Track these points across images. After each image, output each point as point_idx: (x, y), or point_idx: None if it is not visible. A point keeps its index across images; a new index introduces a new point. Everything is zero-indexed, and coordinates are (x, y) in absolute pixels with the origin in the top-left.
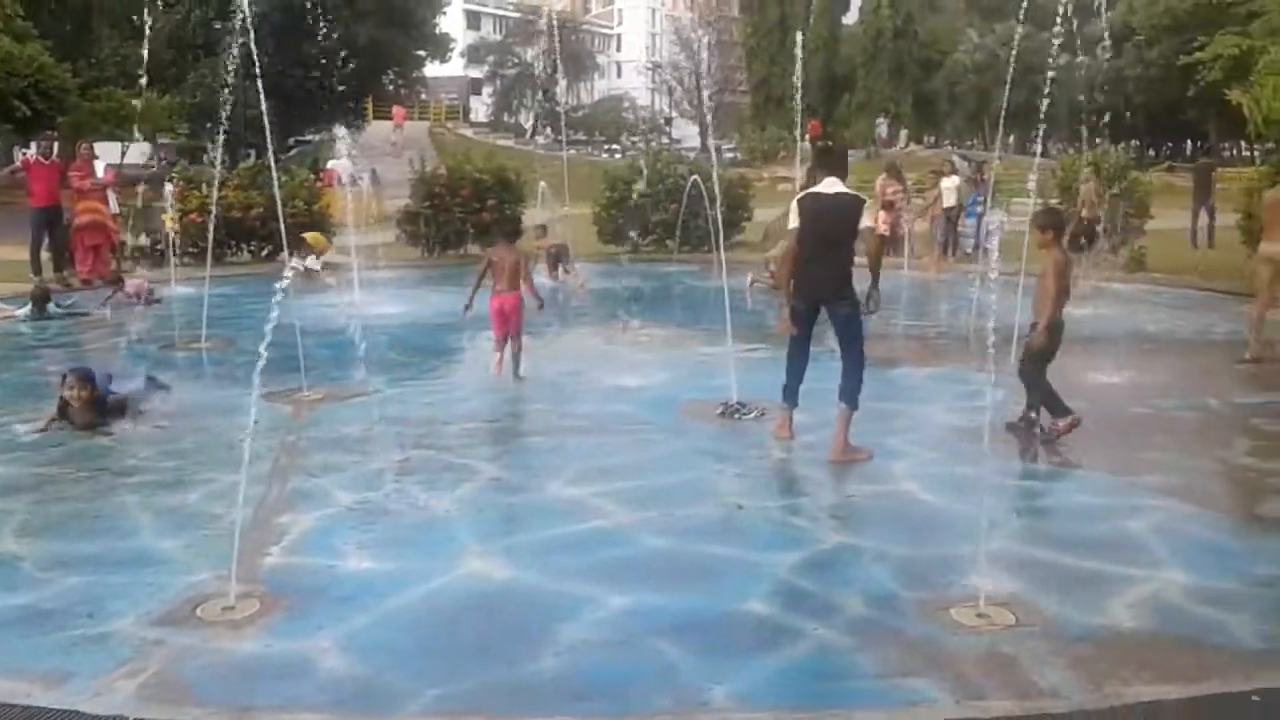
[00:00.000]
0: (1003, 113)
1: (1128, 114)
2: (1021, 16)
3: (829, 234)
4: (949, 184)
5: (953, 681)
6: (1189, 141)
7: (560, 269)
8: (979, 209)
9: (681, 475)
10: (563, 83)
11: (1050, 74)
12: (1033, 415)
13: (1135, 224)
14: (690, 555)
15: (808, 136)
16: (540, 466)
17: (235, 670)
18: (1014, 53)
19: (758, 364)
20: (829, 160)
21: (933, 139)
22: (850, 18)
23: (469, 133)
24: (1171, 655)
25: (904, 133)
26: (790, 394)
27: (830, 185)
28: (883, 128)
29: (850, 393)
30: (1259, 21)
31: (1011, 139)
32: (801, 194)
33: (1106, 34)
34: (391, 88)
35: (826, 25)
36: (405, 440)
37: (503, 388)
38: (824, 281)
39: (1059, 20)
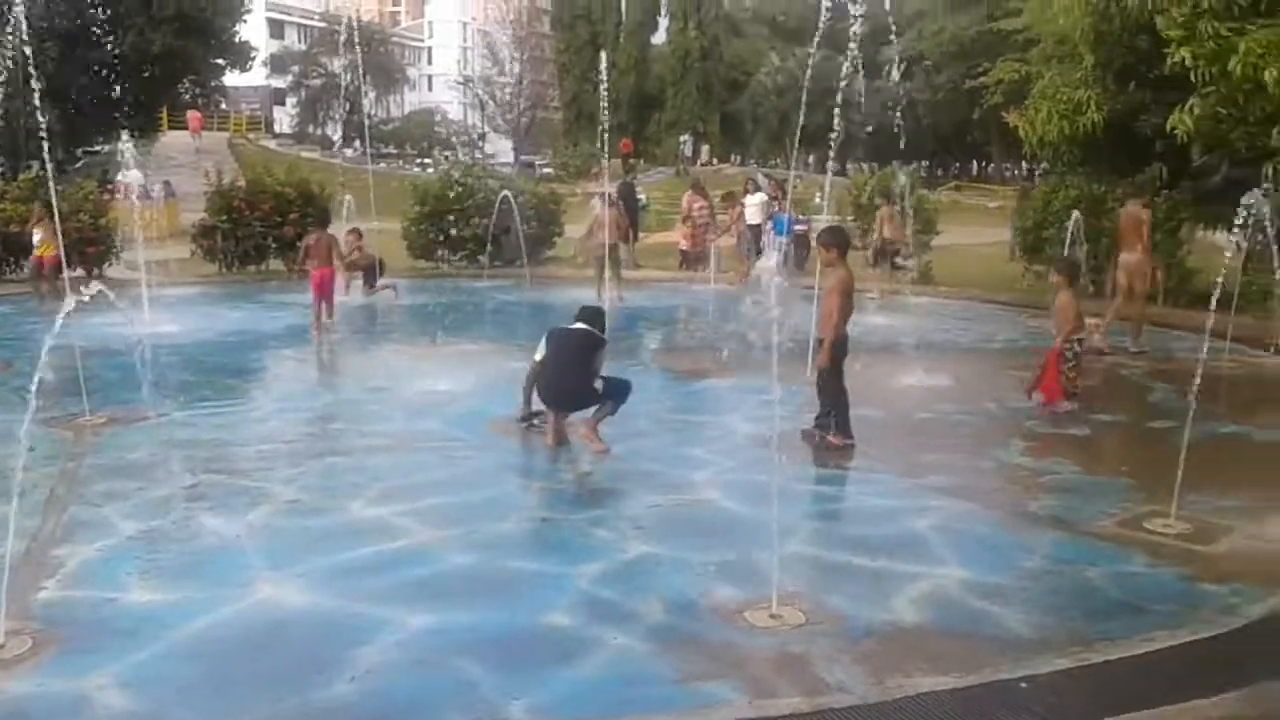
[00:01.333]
0: (798, 133)
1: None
2: (818, 41)
3: None
4: (752, 201)
5: (747, 682)
6: (975, 162)
7: (370, 283)
8: (801, 226)
9: (487, 491)
10: (371, 95)
11: (839, 97)
12: (826, 423)
13: (923, 240)
14: (493, 571)
15: (621, 153)
16: (340, 487)
17: (5, 712)
18: (808, 75)
19: None
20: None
21: (739, 157)
22: (659, 38)
23: (272, 144)
24: (949, 647)
25: (705, 148)
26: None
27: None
28: (688, 145)
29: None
30: (1035, 49)
31: (811, 158)
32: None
33: (895, 62)
34: (189, 97)
35: (636, 45)
36: (195, 465)
37: (302, 407)
38: None
39: (851, 46)
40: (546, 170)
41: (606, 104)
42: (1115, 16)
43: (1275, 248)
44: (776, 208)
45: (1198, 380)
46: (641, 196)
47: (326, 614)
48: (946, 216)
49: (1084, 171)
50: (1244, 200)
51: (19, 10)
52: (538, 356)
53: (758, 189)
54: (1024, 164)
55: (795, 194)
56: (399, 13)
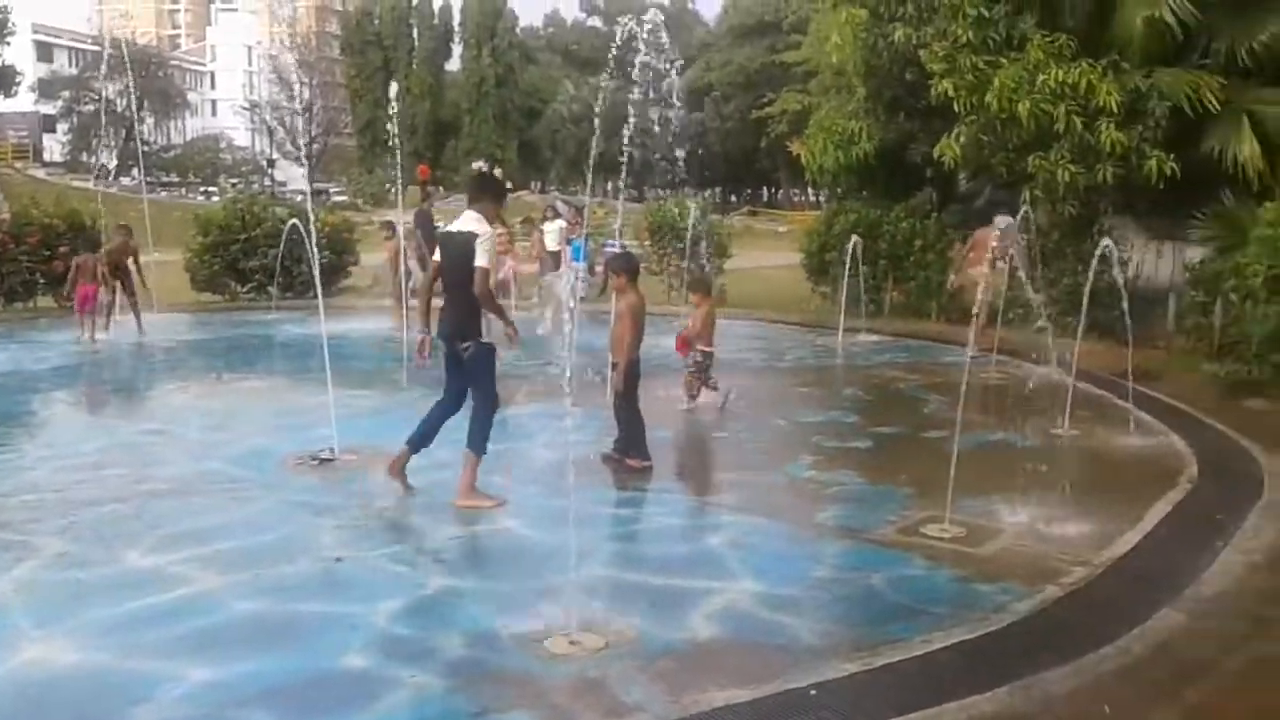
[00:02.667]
0: (592, 161)
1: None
2: (611, 71)
3: (450, 271)
4: (550, 228)
5: (545, 711)
6: (765, 188)
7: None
8: (611, 246)
9: (276, 532)
10: (149, 120)
11: (631, 125)
12: (625, 447)
13: (716, 264)
14: (283, 616)
15: (418, 179)
16: (115, 536)
17: None
18: (600, 104)
19: (362, 412)
20: (472, 190)
21: (539, 184)
22: (453, 64)
23: (41, 173)
24: (743, 660)
25: (498, 172)
26: (416, 437)
27: (463, 221)
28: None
29: (475, 439)
30: (815, 81)
31: (610, 185)
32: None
33: (676, 92)
34: None
35: (430, 71)
36: None
37: (74, 452)
38: (448, 319)
39: (638, 76)
40: (341, 198)
41: (399, 131)
42: (884, 51)
43: (1023, 264)
44: (574, 234)
45: (963, 391)
46: (439, 225)
47: (100, 671)
48: (740, 241)
49: (861, 197)
50: (995, 221)
51: None
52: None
53: (557, 215)
54: (809, 190)
55: (595, 220)
56: (179, 35)
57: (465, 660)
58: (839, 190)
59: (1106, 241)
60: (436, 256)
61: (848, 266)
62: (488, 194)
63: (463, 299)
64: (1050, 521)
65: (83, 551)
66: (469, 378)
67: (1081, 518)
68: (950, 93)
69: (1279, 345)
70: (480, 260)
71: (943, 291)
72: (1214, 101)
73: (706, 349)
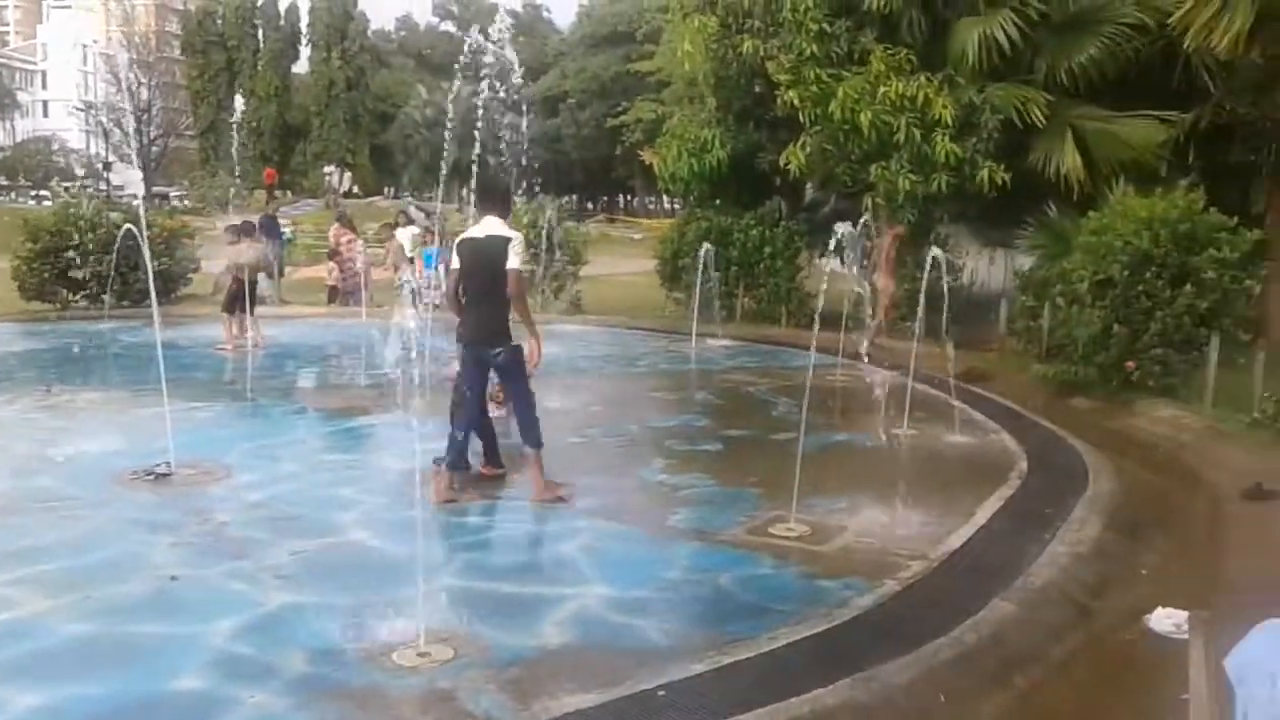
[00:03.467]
0: (448, 166)
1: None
2: (462, 76)
3: (477, 277)
4: (404, 234)
5: None
6: (621, 196)
7: None
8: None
9: (108, 551)
10: None
11: (478, 131)
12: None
13: (572, 271)
14: (115, 638)
15: (265, 184)
16: None
17: None
18: (453, 110)
19: (201, 424)
20: (487, 198)
21: (393, 190)
22: (301, 67)
23: None
24: (594, 664)
25: (346, 175)
26: (454, 454)
27: (485, 226)
28: (335, 176)
29: (531, 437)
30: (668, 90)
31: (465, 191)
32: (459, 236)
33: (530, 99)
34: None
35: (277, 73)
36: None
37: None
38: (477, 326)
39: (489, 81)
40: (184, 202)
41: (244, 134)
42: (733, 62)
43: (859, 271)
44: (428, 242)
45: (806, 395)
46: (287, 230)
47: None
48: (596, 248)
49: (713, 205)
50: (836, 230)
51: None
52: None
53: (410, 221)
54: (664, 198)
55: (450, 226)
56: (7, 33)
57: (308, 677)
58: (691, 198)
59: (935, 250)
60: (454, 264)
61: (700, 273)
62: (500, 198)
63: (493, 304)
64: (890, 518)
65: None
66: (504, 380)
67: (919, 514)
68: (796, 104)
69: (1102, 347)
70: (513, 263)
71: (791, 297)
72: (1040, 117)
73: None
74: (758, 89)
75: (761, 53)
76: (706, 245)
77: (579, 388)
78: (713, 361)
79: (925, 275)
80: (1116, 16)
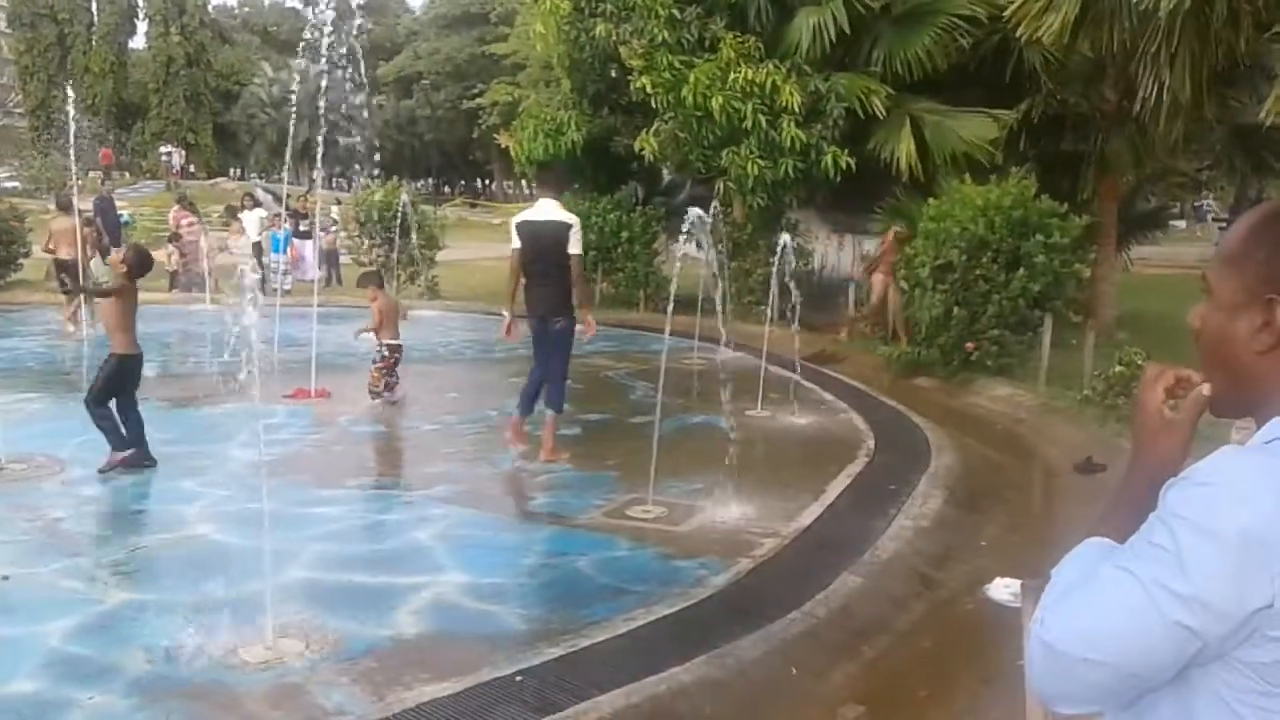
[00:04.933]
0: (293, 147)
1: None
2: (309, 55)
3: (541, 258)
4: (251, 217)
5: None
6: (479, 180)
7: None
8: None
9: None
10: None
11: (324, 111)
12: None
13: (428, 255)
14: None
15: (100, 164)
16: None
17: None
18: (298, 88)
19: (33, 416)
20: (544, 182)
21: (239, 171)
22: (138, 42)
23: None
24: (450, 653)
25: (175, 154)
26: (525, 403)
27: (543, 210)
28: (176, 157)
29: (556, 401)
30: (524, 74)
31: (317, 173)
32: (518, 217)
33: (379, 78)
34: None
35: (112, 48)
36: None
37: None
38: (542, 300)
39: (335, 60)
40: (13, 184)
41: (77, 112)
42: (586, 45)
43: (711, 256)
44: (274, 226)
45: (663, 378)
46: (124, 213)
47: None
48: (454, 233)
49: (570, 189)
50: (687, 215)
51: None
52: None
53: (256, 204)
54: (523, 183)
55: (301, 209)
56: None
57: (150, 676)
58: None
59: (785, 236)
60: (515, 244)
61: None
62: (554, 182)
63: (557, 283)
64: (744, 497)
65: None
66: (556, 347)
67: (772, 492)
68: (649, 89)
69: (944, 329)
70: (574, 248)
71: (649, 281)
72: (880, 108)
73: (392, 342)
74: (613, 73)
75: (615, 37)
76: None
77: (436, 374)
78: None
79: (777, 260)
80: (950, 9)
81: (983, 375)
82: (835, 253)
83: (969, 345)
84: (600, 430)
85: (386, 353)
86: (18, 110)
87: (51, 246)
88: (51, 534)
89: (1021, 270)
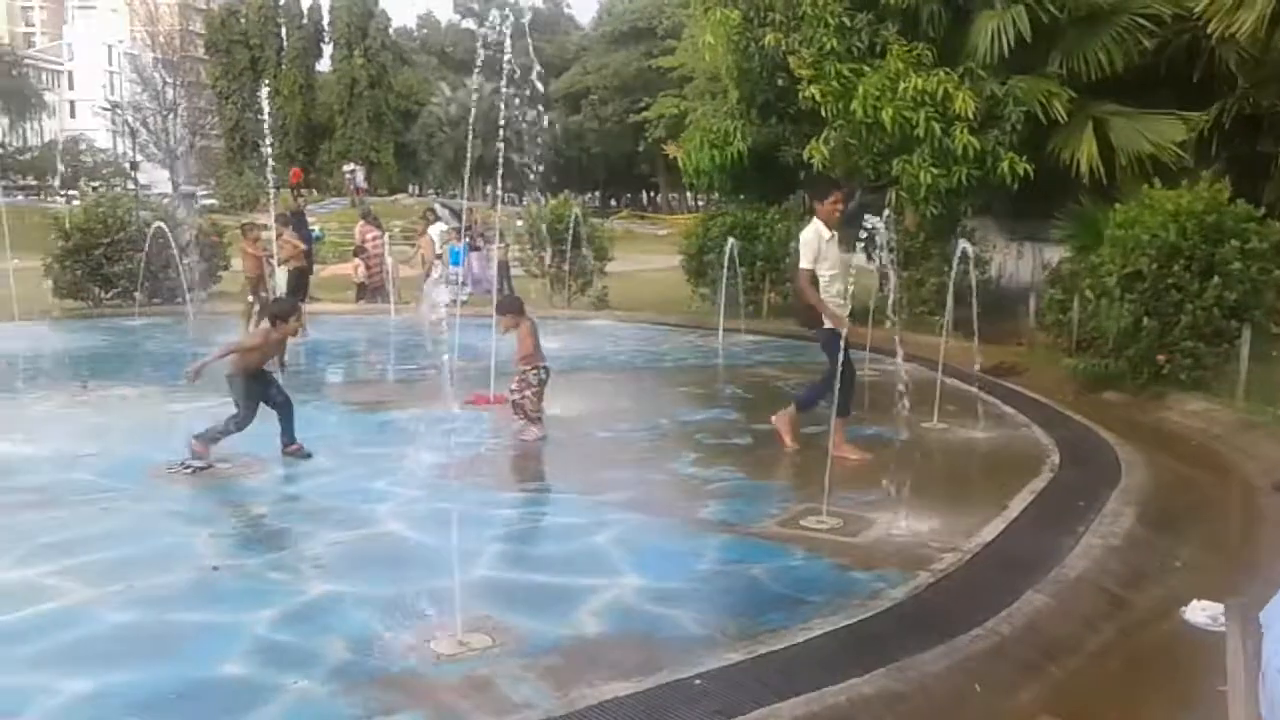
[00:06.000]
0: (468, 163)
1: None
2: (482, 74)
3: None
4: (432, 231)
5: (433, 711)
6: (644, 192)
7: None
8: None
9: (149, 542)
10: (3, 121)
11: (502, 129)
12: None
13: (597, 266)
14: (159, 626)
15: (290, 182)
16: None
17: None
18: (475, 107)
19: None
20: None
21: (417, 188)
22: (324, 65)
23: None
24: (629, 653)
25: (358, 172)
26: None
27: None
28: (358, 175)
29: (840, 406)
30: (690, 86)
31: (488, 188)
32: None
33: (551, 95)
34: None
35: (301, 72)
36: None
37: None
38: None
39: (512, 78)
40: (210, 201)
41: (269, 133)
42: (755, 56)
43: (890, 266)
44: (452, 239)
45: (836, 388)
46: (315, 228)
47: None
48: (621, 244)
49: (738, 200)
50: (865, 224)
51: None
52: None
53: (437, 219)
54: (688, 194)
55: (475, 223)
56: (33, 34)
57: (349, 664)
58: (715, 192)
59: (963, 243)
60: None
61: (726, 268)
62: (815, 195)
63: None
64: (922, 511)
65: None
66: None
67: (951, 507)
68: (818, 98)
69: (1132, 340)
70: (801, 262)
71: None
72: (1062, 111)
73: (539, 365)
74: (780, 83)
75: (784, 46)
76: (731, 240)
77: (607, 382)
78: (740, 356)
79: (954, 269)
80: (1134, 8)
81: (1175, 389)
82: (1014, 261)
83: (1160, 357)
84: (772, 440)
85: (545, 375)
86: (214, 132)
87: (283, 256)
88: (255, 529)
89: (1216, 278)
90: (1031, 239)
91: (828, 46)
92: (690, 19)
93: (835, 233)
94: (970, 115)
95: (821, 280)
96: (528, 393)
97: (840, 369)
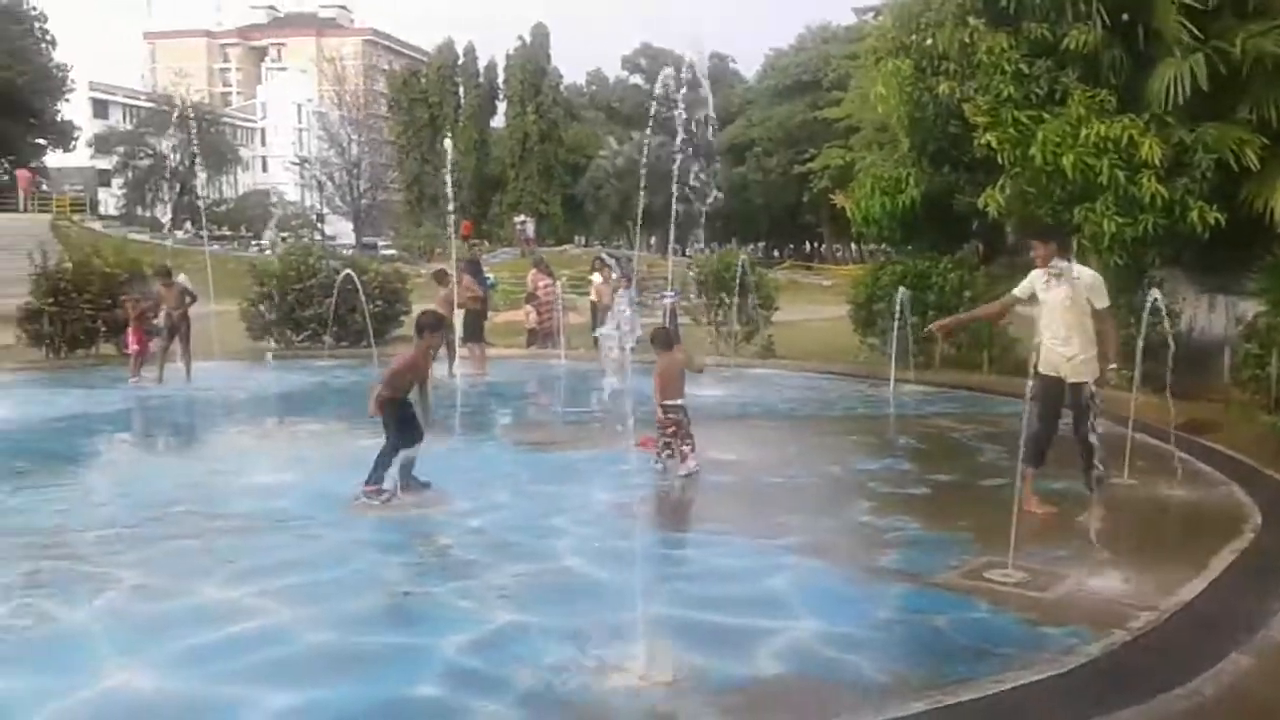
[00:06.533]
0: (638, 215)
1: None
2: (652, 127)
3: None
4: (598, 279)
5: None
6: (809, 242)
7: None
8: (670, 298)
9: (343, 568)
10: (202, 176)
11: (675, 180)
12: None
13: (764, 315)
14: (355, 647)
15: (462, 235)
16: (189, 570)
17: None
18: (644, 160)
19: (420, 454)
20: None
21: (583, 238)
22: (497, 122)
23: (97, 226)
24: (809, 696)
25: (528, 223)
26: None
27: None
28: (529, 226)
29: (1034, 455)
30: (858, 136)
31: (653, 239)
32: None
33: (716, 147)
34: (7, 178)
35: (476, 128)
36: (33, 552)
37: (144, 491)
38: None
39: (678, 131)
40: (389, 252)
41: (450, 186)
42: (928, 104)
43: None
44: (623, 288)
45: (1020, 441)
46: (490, 276)
47: (182, 698)
48: (785, 294)
49: (908, 249)
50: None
51: None
52: None
53: (604, 266)
54: (854, 245)
55: (641, 273)
56: (230, 93)
57: (536, 692)
58: (884, 241)
59: (1155, 293)
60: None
61: (896, 318)
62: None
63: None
64: (1115, 568)
65: (159, 584)
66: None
67: (1146, 564)
68: (994, 145)
69: None
70: (1103, 301)
71: (994, 342)
72: (1254, 159)
73: (668, 403)
74: (953, 130)
75: (958, 94)
76: (902, 289)
77: (775, 430)
78: (912, 406)
79: (1143, 321)
80: None
81: None
82: (1205, 314)
83: None
84: (950, 491)
85: (661, 414)
86: (394, 186)
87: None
88: (442, 558)
89: None
90: (1224, 291)
91: (1005, 94)
92: (858, 70)
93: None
94: (1157, 162)
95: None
96: (669, 430)
97: (1039, 418)
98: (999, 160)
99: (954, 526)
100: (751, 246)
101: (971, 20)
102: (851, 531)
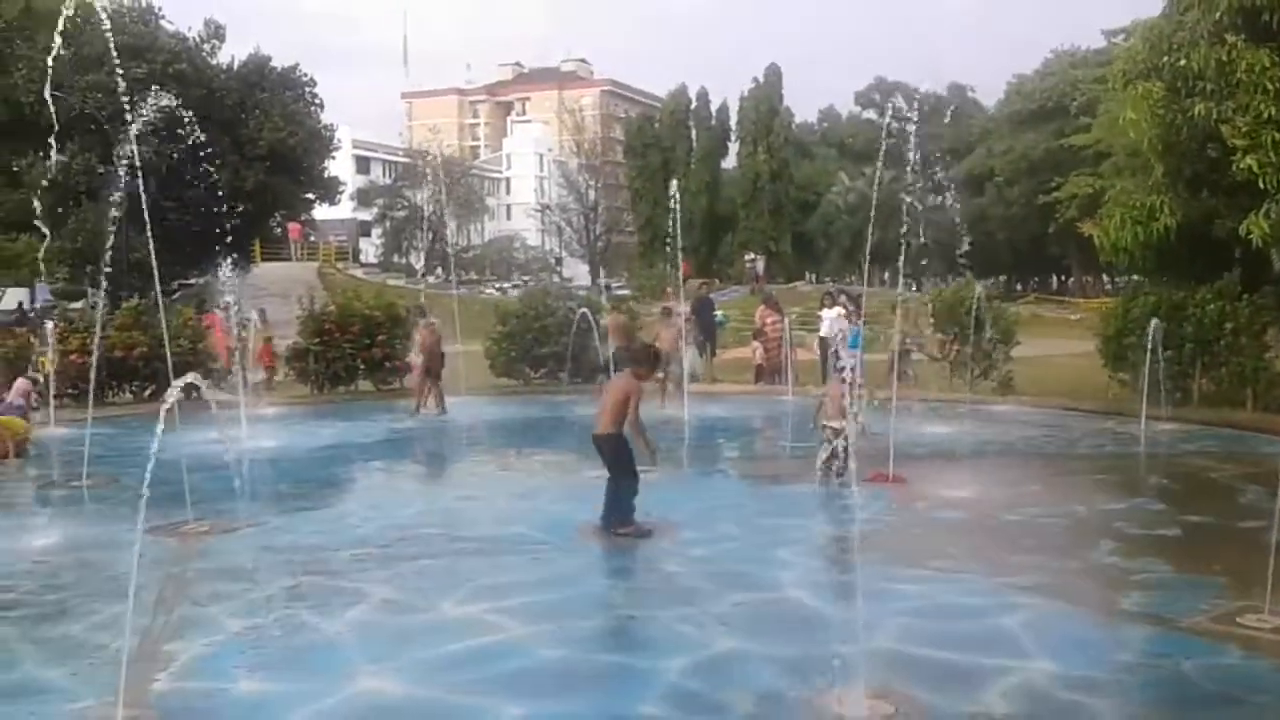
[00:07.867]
0: (868, 250)
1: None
2: (884, 161)
3: None
4: (828, 315)
5: None
6: (1054, 275)
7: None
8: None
9: (575, 589)
10: (453, 224)
11: (907, 214)
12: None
13: (1003, 350)
14: (584, 664)
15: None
16: (433, 587)
17: None
18: (876, 195)
19: (648, 486)
20: None
21: (813, 276)
22: (729, 162)
23: (359, 273)
24: None
25: (758, 261)
26: None
27: None
28: (759, 264)
29: None
30: (1108, 163)
31: (887, 274)
32: None
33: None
34: (280, 230)
35: (708, 169)
36: (295, 567)
37: (394, 514)
38: None
39: (915, 165)
40: (624, 292)
41: (677, 229)
42: (1183, 127)
43: None
44: (853, 323)
45: None
46: (719, 313)
47: (425, 703)
48: (1027, 329)
49: (1162, 279)
50: None
51: (130, 150)
52: None
53: (834, 303)
54: (1103, 276)
55: (869, 310)
56: (478, 146)
57: (756, 716)
58: (1136, 272)
59: None
60: None
61: (1149, 352)
62: None
63: None
64: None
65: (406, 599)
66: None
67: None
68: (1254, 168)
69: None
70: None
71: (1259, 378)
72: None
73: (829, 424)
74: (1211, 153)
75: (1215, 116)
76: (1156, 321)
77: (1014, 467)
78: (1166, 445)
79: None
80: None
81: None
82: None
83: None
84: (1204, 533)
85: (835, 438)
86: (628, 229)
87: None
88: (667, 584)
89: None
90: None
91: (1266, 114)
92: (1106, 94)
93: None
94: None
95: None
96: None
97: None
98: (1260, 185)
99: (1207, 570)
100: (992, 280)
101: (1229, 37)
102: (1094, 572)
